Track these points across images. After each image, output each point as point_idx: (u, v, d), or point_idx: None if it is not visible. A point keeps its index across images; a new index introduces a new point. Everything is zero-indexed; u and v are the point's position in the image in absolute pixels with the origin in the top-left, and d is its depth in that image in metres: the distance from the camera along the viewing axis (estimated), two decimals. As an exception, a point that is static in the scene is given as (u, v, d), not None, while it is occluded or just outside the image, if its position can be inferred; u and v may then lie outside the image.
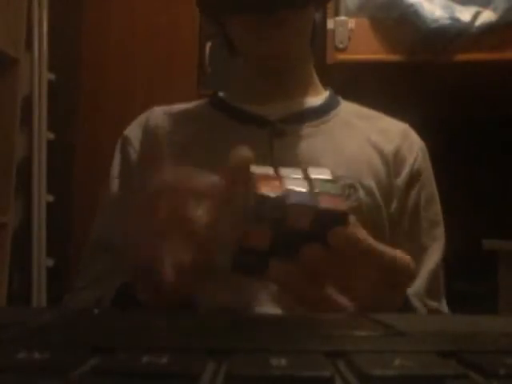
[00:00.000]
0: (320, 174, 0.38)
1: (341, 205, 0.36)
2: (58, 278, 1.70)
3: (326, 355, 0.20)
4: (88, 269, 0.68)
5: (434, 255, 0.68)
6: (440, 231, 0.70)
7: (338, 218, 0.36)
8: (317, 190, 0.36)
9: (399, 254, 0.41)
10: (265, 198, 0.35)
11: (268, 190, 0.36)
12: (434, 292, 0.67)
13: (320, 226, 0.35)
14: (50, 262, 1.72)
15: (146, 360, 0.18)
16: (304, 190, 0.36)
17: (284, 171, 0.38)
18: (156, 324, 0.28)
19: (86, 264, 0.69)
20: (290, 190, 0.36)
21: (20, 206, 1.68)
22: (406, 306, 0.49)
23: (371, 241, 0.39)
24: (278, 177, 0.37)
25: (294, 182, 0.37)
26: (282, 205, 0.35)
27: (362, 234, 0.39)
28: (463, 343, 0.23)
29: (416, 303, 0.57)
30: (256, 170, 0.38)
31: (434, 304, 0.66)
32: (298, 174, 0.38)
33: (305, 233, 0.36)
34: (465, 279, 1.48)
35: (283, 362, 0.18)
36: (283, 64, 0.70)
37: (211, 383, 0.17)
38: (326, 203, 0.36)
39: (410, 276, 0.42)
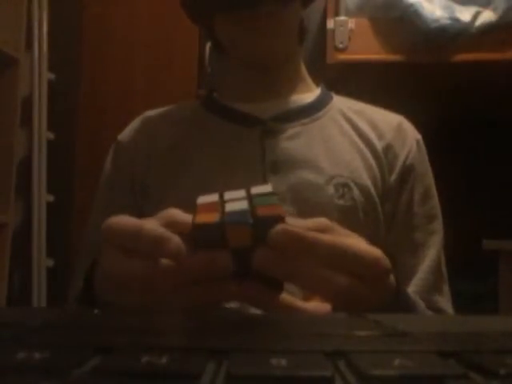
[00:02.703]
0: (260, 190, 0.39)
1: (276, 210, 0.37)
2: (58, 278, 1.70)
3: (326, 355, 0.20)
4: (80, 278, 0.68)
5: (433, 249, 0.67)
6: (437, 225, 0.69)
7: (274, 222, 0.36)
8: (255, 204, 0.37)
9: (367, 247, 0.39)
10: (199, 227, 0.36)
11: (203, 219, 0.37)
12: (436, 286, 0.66)
13: (261, 235, 0.36)
14: (50, 262, 1.72)
15: (145, 360, 0.18)
16: (241, 208, 0.37)
17: (228, 194, 0.39)
18: (156, 324, 0.28)
19: (78, 274, 0.69)
20: (228, 212, 0.37)
21: (20, 206, 1.68)
22: (402, 303, 0.48)
23: (326, 235, 0.38)
24: (221, 202, 0.39)
25: (234, 204, 0.38)
26: (218, 229, 0.36)
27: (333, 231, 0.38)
28: (463, 343, 0.23)
29: (419, 303, 0.56)
30: (200, 199, 0.40)
31: (435, 298, 0.65)
32: (240, 195, 0.39)
33: (250, 247, 0.36)
34: (465, 279, 1.48)
35: (283, 362, 0.18)
36: (271, 61, 0.69)
37: (211, 383, 0.17)
38: (261, 212, 0.37)
39: (381, 269, 0.39)
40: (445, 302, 0.67)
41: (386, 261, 0.39)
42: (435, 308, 0.64)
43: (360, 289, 0.38)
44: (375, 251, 0.39)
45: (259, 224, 0.36)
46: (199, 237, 0.37)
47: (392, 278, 0.44)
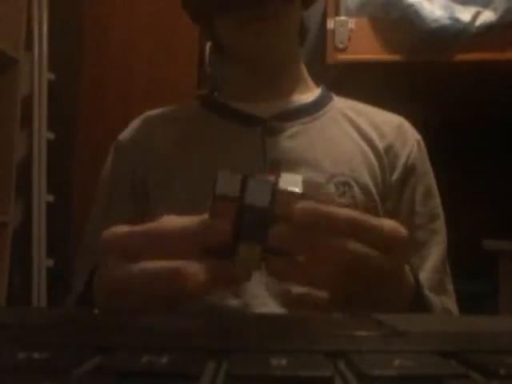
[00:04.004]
0: (290, 180, 0.39)
1: (297, 187, 0.37)
2: (58, 278, 1.69)
3: (326, 355, 0.20)
4: (82, 274, 0.68)
5: (436, 249, 0.68)
6: (440, 224, 0.70)
7: (293, 198, 0.37)
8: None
9: (383, 219, 0.40)
10: (224, 176, 0.37)
11: (228, 172, 0.37)
12: (441, 285, 0.67)
13: (278, 206, 0.36)
14: (50, 262, 1.72)
15: (145, 360, 0.18)
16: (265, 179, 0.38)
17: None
18: (156, 324, 0.28)
19: (80, 269, 0.69)
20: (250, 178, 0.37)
21: (20, 206, 1.68)
22: (420, 298, 0.48)
23: (347, 212, 0.38)
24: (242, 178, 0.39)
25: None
26: (242, 182, 0.36)
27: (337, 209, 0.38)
28: (463, 343, 0.23)
29: (430, 296, 0.56)
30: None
31: (442, 298, 0.65)
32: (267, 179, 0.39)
33: (265, 215, 0.36)
34: (465, 279, 1.48)
35: (283, 361, 0.18)
36: (271, 61, 0.70)
37: (211, 383, 0.17)
38: (283, 185, 0.37)
39: (399, 237, 0.40)
40: (451, 301, 0.67)
41: (403, 229, 0.40)
42: (443, 308, 0.64)
43: (379, 258, 0.38)
44: (392, 221, 0.40)
45: (278, 195, 0.36)
46: (221, 185, 0.36)
47: (410, 273, 0.44)
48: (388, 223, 0.39)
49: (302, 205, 0.36)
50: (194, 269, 0.37)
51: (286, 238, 0.37)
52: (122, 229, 0.39)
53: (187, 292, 0.37)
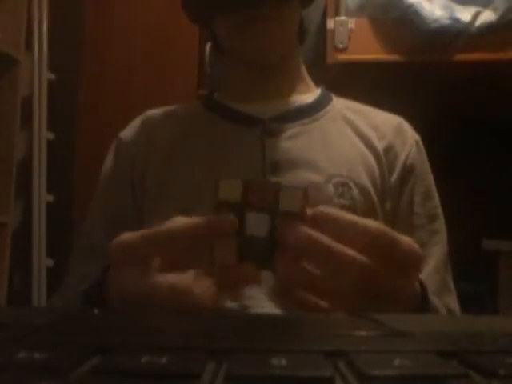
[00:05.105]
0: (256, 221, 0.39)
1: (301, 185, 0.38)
2: (58, 278, 1.69)
3: (326, 355, 0.20)
4: (77, 267, 0.68)
5: (437, 249, 0.67)
6: (440, 224, 0.70)
7: (298, 194, 0.37)
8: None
9: (400, 235, 0.40)
10: (225, 183, 0.37)
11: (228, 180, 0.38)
12: (444, 286, 0.67)
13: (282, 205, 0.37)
14: (50, 262, 1.72)
15: (145, 360, 0.18)
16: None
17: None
18: (156, 324, 0.28)
19: (75, 262, 0.69)
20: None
21: (20, 206, 1.68)
22: (425, 305, 0.48)
23: (366, 221, 0.38)
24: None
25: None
26: (242, 185, 0.37)
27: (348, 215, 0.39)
28: (463, 343, 0.23)
29: (435, 302, 0.56)
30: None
31: (446, 299, 0.65)
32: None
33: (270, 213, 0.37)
34: (465, 279, 1.48)
35: (283, 361, 0.18)
36: (271, 61, 0.70)
37: (211, 383, 0.17)
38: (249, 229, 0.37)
39: (415, 256, 0.40)
40: (453, 300, 0.67)
41: (419, 249, 0.40)
42: (447, 309, 0.64)
43: (388, 276, 0.38)
44: (408, 239, 0.40)
45: (281, 194, 0.37)
46: (219, 194, 0.37)
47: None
48: (405, 239, 0.39)
49: (322, 208, 0.37)
50: (206, 282, 0.37)
51: (300, 237, 0.37)
52: (128, 235, 0.40)
53: (201, 304, 0.37)
